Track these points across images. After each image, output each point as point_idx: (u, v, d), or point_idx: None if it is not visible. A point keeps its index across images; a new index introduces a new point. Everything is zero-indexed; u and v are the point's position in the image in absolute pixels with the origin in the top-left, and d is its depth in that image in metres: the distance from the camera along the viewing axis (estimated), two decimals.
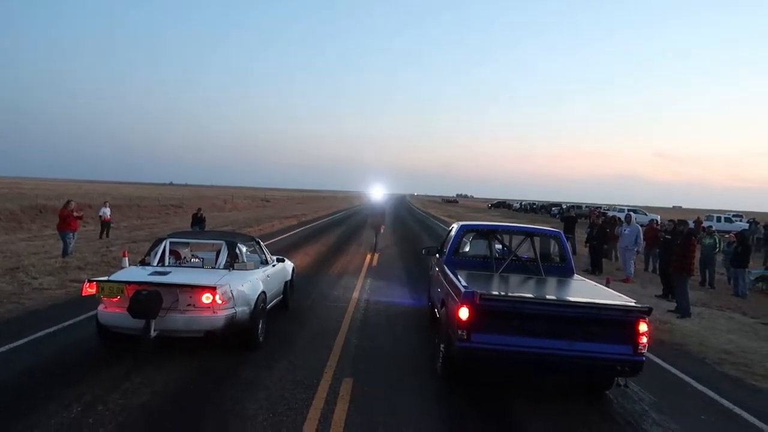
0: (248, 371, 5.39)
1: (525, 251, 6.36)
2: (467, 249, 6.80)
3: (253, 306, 5.55)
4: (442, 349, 4.72)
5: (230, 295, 5.18)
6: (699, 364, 6.64)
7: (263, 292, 5.95)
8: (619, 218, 18.64)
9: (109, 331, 5.27)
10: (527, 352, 4.03)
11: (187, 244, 6.73)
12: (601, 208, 53.53)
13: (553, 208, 60.52)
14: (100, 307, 5.26)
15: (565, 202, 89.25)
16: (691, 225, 13.98)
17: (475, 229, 6.92)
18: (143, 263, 6.02)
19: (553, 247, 6.45)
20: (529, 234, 6.38)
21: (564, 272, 5.89)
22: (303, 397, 4.82)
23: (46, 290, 8.69)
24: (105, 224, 17.77)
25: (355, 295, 9.42)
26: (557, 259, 6.17)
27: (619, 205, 60.27)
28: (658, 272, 14.15)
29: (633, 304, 4.31)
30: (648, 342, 4.27)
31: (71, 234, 12.75)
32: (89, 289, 5.07)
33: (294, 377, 5.30)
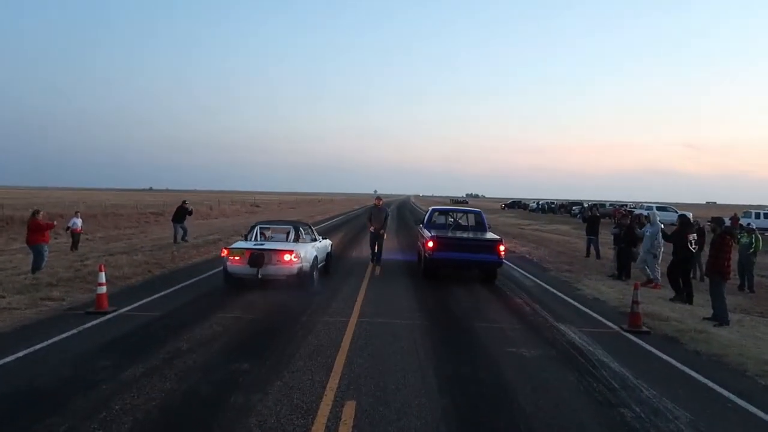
0: (240, 396, 5.41)
1: (463, 220, 13.98)
2: (434, 220, 14.79)
3: (310, 263, 10.42)
4: (422, 263, 11.28)
5: (299, 255, 9.97)
6: (739, 376, 6.62)
7: (315, 257, 10.96)
8: (646, 216, 18.65)
9: (232, 276, 10.24)
10: (457, 259, 10.02)
11: (269, 228, 11.79)
12: (626, 205, 53.51)
13: (573, 208, 60.31)
14: (228, 263, 10.21)
15: (587, 200, 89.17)
16: (728, 222, 13.95)
17: (439, 211, 15.59)
18: (246, 238, 11.20)
19: (476, 218, 14.06)
20: (465, 212, 14.41)
21: (480, 230, 13.02)
22: (301, 423, 4.83)
23: (15, 310, 8.71)
24: (75, 236, 17.82)
25: (357, 308, 9.46)
26: (476, 223, 13.61)
27: (646, 202, 60.11)
28: (698, 276, 14.15)
29: (497, 237, 10.75)
30: (504, 253, 10.83)
31: (46, 246, 12.76)
32: (224, 254, 10.26)
33: (291, 401, 5.31)
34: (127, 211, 40.23)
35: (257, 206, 61.35)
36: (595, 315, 9.78)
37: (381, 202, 15.92)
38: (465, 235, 12.65)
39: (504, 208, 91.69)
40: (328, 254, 12.85)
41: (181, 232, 20.01)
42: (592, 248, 18.82)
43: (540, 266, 16.34)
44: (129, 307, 9.09)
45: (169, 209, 38.01)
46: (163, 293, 10.42)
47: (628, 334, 8.40)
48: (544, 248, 21.44)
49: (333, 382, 5.81)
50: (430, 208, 15.76)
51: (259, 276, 10.31)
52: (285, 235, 11.64)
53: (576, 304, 10.79)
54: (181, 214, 20.46)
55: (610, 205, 54.99)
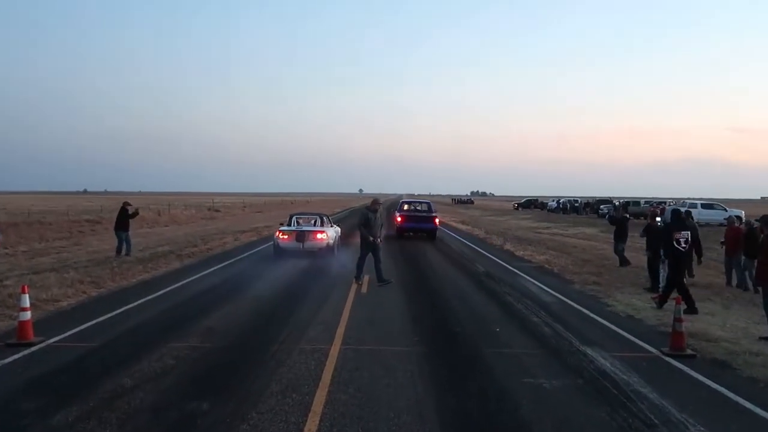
0: None
1: (419, 207, 30.93)
2: (402, 206, 31.58)
3: (334, 240, 18.84)
4: (393, 230, 28.01)
5: (327, 234, 18.20)
6: None
7: (335, 236, 19.47)
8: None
9: (282, 249, 18.28)
10: (413, 227, 27.60)
11: (302, 217, 20.28)
12: (665, 203, 53.88)
13: (601, 207, 60.56)
14: (279, 240, 18.56)
15: (618, 197, 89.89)
16: None
17: (405, 201, 33.70)
18: (289, 222, 19.75)
19: (426, 205, 30.92)
20: (420, 202, 32.10)
21: (428, 211, 29.12)
22: None
23: None
24: None
25: (340, 332, 9.47)
26: (426, 208, 29.67)
27: (689, 198, 60.57)
28: (751, 287, 14.26)
29: (434, 214, 28.63)
30: (439, 224, 29.20)
31: None
32: (277, 234, 18.88)
33: None
34: (56, 218, 39.89)
35: (217, 211, 61.20)
36: (629, 336, 9.83)
37: (378, 206, 15.45)
38: (416, 214, 28.73)
39: (517, 209, 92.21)
40: (339, 236, 21.58)
41: (126, 243, 19.82)
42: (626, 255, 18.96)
43: (561, 278, 16.43)
44: (59, 337, 9.00)
45: (108, 216, 37.76)
46: (101, 319, 10.35)
47: (669, 359, 8.45)
48: (567, 256, 21.56)
49: (311, 425, 5.79)
50: (400, 201, 32.29)
51: (303, 248, 18.78)
52: (313, 222, 20.35)
53: (606, 323, 10.85)
54: (126, 220, 20.27)
55: (646, 203, 55.32)
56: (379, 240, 14.82)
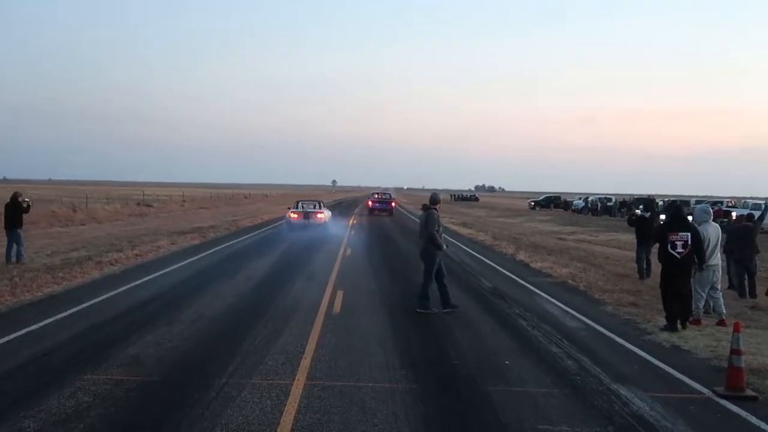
0: None
1: (383, 195, 69.54)
2: (372, 195, 74.96)
3: (327, 219, 37.85)
4: (366, 211, 64.02)
5: (325, 214, 37.61)
6: None
7: (328, 216, 39.10)
8: (747, 217, 19.06)
9: (293, 225, 35.64)
10: (378, 208, 60.19)
11: (305, 202, 40.70)
12: (722, 203, 54.37)
13: (638, 208, 60.92)
14: (290, 218, 36.61)
15: (663, 196, 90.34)
16: None
17: (375, 192, 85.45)
18: (296, 207, 38.44)
19: (387, 195, 69.50)
20: (384, 193, 72.92)
21: (388, 199, 64.64)
22: None
23: None
24: None
25: (305, 363, 9.46)
26: (387, 198, 65.34)
27: (754, 197, 61.18)
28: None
29: (391, 199, 65.98)
30: (395, 205, 67.30)
31: None
32: (289, 213, 37.81)
33: None
34: None
35: (148, 206, 60.85)
36: (674, 372, 9.88)
37: (393, 203, 16.45)
38: (381, 200, 62.96)
39: (534, 208, 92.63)
40: (330, 216, 39.51)
41: (15, 246, 19.61)
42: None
43: (590, 297, 16.50)
44: None
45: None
46: None
47: (724, 401, 8.50)
48: (596, 270, 21.66)
49: None
50: (370, 196, 73.36)
51: (308, 223, 34.67)
52: (313, 206, 37.92)
53: (645, 355, 10.89)
54: (16, 215, 20.12)
55: (697, 202, 55.83)
56: (445, 246, 15.07)
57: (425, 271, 14.22)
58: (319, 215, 36.46)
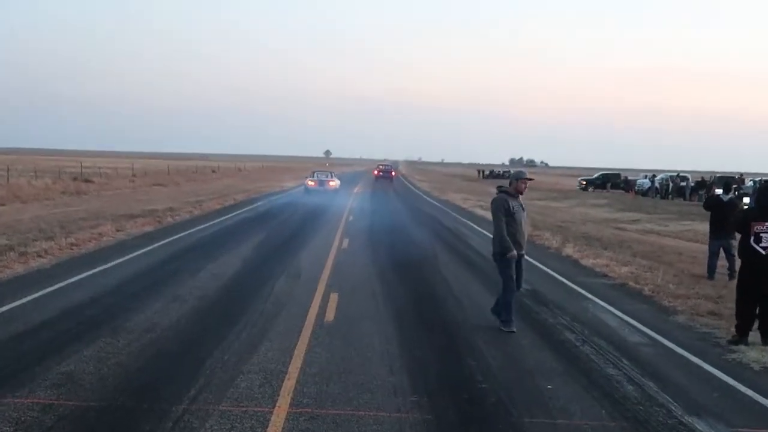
0: None
1: (386, 167, 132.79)
2: (378, 166, 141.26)
3: (338, 186, 66.86)
4: (373, 178, 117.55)
5: (336, 182, 67.76)
6: None
7: (338, 184, 68.87)
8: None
9: (311, 190, 63.46)
10: (382, 176, 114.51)
11: (320, 172, 76.31)
12: None
13: (717, 191, 60.68)
14: (308, 185, 66.28)
15: (754, 174, 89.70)
16: None
17: (380, 164, 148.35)
18: (312, 176, 69.58)
19: (390, 166, 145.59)
20: (386, 165, 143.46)
21: (390, 169, 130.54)
22: None
23: None
24: None
25: (288, 385, 9.47)
26: (390, 167, 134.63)
27: None
28: None
29: (393, 169, 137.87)
30: (395, 176, 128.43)
31: None
32: (306, 181, 68.61)
33: None
34: None
35: (88, 181, 60.81)
36: (764, 401, 9.89)
37: (524, 185, 13.90)
38: (384, 170, 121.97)
39: (586, 188, 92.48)
40: (340, 183, 68.38)
41: None
42: None
43: (657, 304, 16.49)
44: None
45: None
46: None
47: None
48: (665, 269, 21.58)
49: None
50: (377, 165, 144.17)
51: (323, 189, 62.27)
52: (326, 176, 68.69)
53: (728, 379, 10.89)
54: None
55: None
56: (523, 251, 13.82)
57: (501, 278, 13.63)
58: (331, 183, 63.91)
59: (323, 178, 64.83)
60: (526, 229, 13.92)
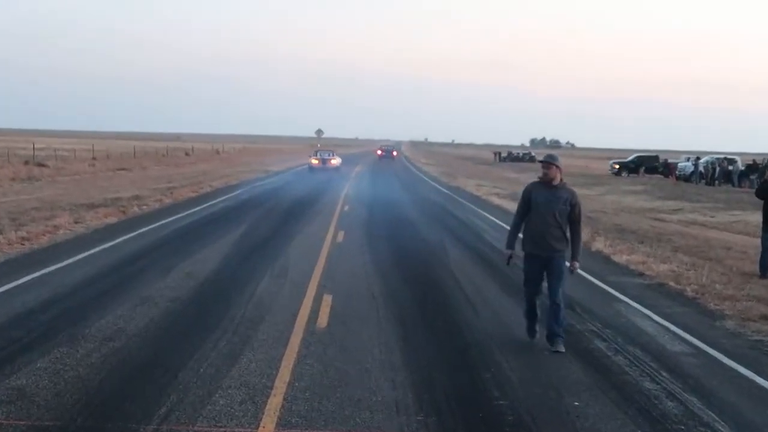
0: None
1: (389, 147, 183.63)
2: (381, 146, 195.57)
3: (339, 164, 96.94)
4: (376, 158, 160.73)
5: (338, 160, 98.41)
6: None
7: (340, 162, 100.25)
8: None
9: (314, 168, 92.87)
10: (386, 157, 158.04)
11: (322, 153, 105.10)
12: None
13: None
14: (311, 163, 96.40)
15: None
16: None
17: (382, 145, 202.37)
18: (315, 155, 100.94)
19: (394, 145, 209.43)
20: (389, 145, 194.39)
21: (392, 150, 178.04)
22: None
23: None
24: None
25: (273, 402, 9.49)
26: (392, 147, 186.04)
27: None
28: None
29: (395, 153, 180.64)
30: (396, 156, 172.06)
31: None
32: (311, 159, 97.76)
33: None
34: None
35: (42, 165, 60.84)
36: None
37: (558, 172, 13.22)
38: (387, 150, 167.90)
39: (619, 173, 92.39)
40: (341, 161, 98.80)
41: None
42: None
43: (701, 308, 16.51)
44: None
45: None
46: None
47: None
48: (711, 266, 21.63)
49: None
50: (380, 145, 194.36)
51: (325, 166, 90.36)
52: (328, 154, 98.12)
53: None
54: None
55: None
56: (577, 263, 13.38)
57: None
58: (332, 162, 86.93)
59: (325, 156, 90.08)
60: (560, 224, 12.91)
